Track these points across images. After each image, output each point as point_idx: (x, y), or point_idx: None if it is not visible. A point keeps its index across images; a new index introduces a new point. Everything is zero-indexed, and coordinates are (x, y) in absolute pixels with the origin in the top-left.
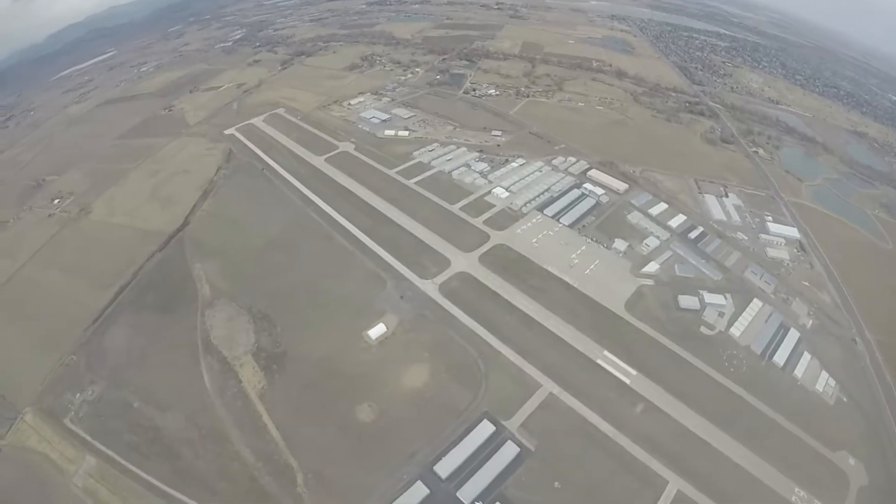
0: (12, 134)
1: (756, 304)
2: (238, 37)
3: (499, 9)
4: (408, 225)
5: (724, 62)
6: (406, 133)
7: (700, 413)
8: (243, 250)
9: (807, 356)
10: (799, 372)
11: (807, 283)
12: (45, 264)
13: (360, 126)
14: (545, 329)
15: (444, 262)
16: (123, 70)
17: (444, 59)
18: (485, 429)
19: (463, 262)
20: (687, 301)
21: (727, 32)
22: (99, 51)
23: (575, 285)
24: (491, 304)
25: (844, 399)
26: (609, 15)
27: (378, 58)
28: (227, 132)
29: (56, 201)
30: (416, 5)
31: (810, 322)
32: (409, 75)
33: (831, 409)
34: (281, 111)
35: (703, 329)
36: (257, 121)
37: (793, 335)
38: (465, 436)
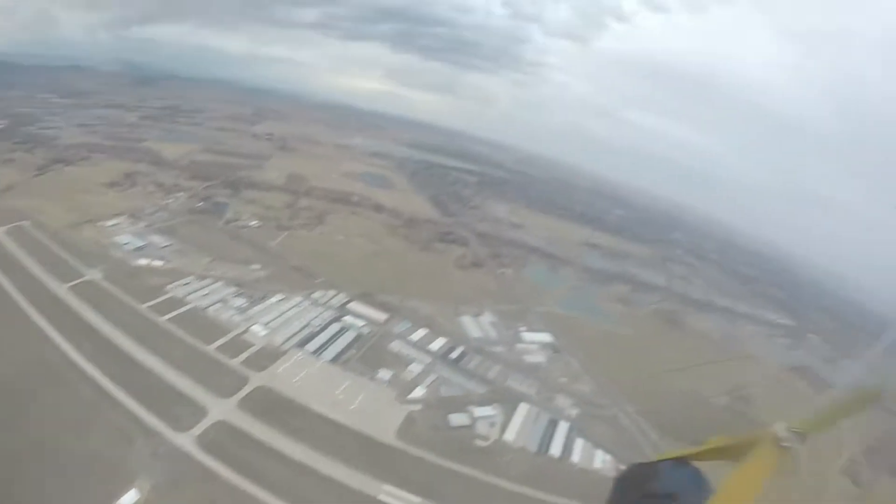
0: None
1: (523, 407)
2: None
3: (269, 139)
4: (159, 368)
5: (474, 195)
6: (161, 263)
7: None
8: None
9: (580, 441)
10: (576, 457)
11: (565, 379)
12: None
13: (112, 252)
14: (318, 473)
15: (201, 411)
16: None
17: (208, 186)
18: None
19: (221, 409)
20: (457, 419)
21: (476, 168)
22: None
23: (342, 421)
24: (256, 454)
25: (622, 467)
26: (371, 152)
27: (141, 177)
28: None
29: None
30: (189, 126)
31: (575, 412)
32: (171, 200)
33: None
34: (27, 224)
35: (477, 441)
36: None
37: (563, 427)
38: None
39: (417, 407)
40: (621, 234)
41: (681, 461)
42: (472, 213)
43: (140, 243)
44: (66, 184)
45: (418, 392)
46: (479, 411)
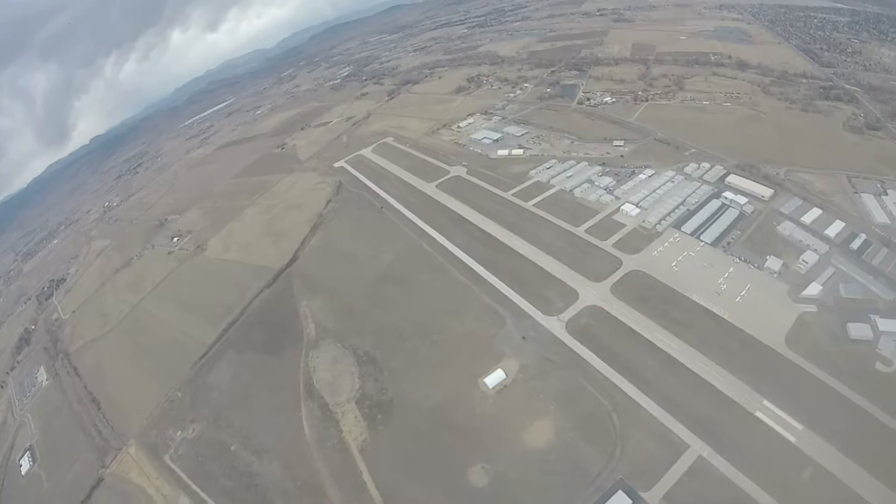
0: (142, 178)
1: None
2: (346, 73)
3: (601, 15)
4: (528, 253)
5: (849, 39)
6: (520, 151)
7: (880, 479)
8: (351, 286)
9: None
10: None
11: None
12: (162, 299)
13: (471, 148)
14: (692, 373)
15: (572, 295)
16: (241, 115)
17: (552, 72)
18: (619, 502)
19: (593, 293)
20: (858, 330)
21: (845, 6)
22: (219, 99)
23: (725, 317)
24: (627, 343)
25: None
26: (717, 5)
27: (484, 78)
28: (336, 165)
29: (175, 239)
30: (517, 22)
31: None
32: (518, 92)
33: None
34: (390, 140)
35: (878, 365)
36: (366, 152)
37: None
38: None
39: (812, 308)
40: None
41: None
42: (852, 62)
43: (496, 136)
44: (416, 100)
45: (813, 289)
46: (885, 324)
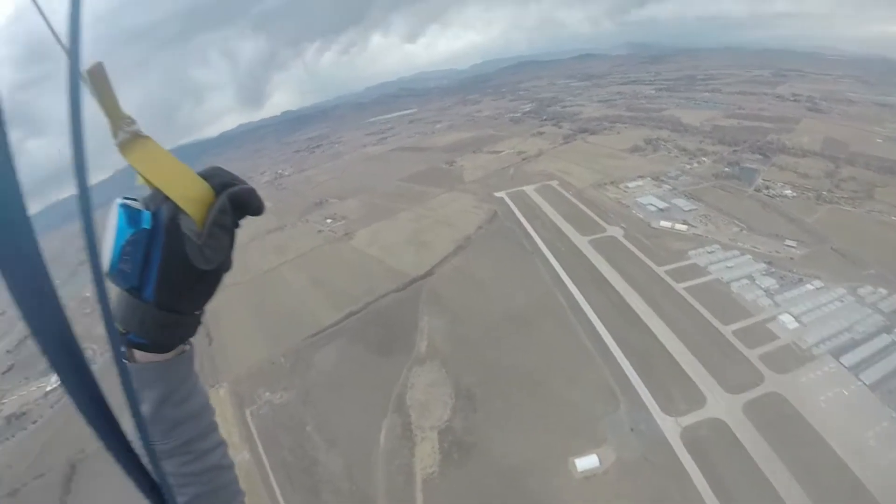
0: (316, 159)
1: None
2: (527, 109)
3: (795, 101)
4: (665, 338)
5: None
6: (684, 227)
7: None
8: (475, 316)
9: None
10: None
11: None
12: (299, 269)
13: (633, 211)
14: None
15: (698, 399)
16: (420, 125)
17: (734, 151)
18: None
19: (721, 404)
20: None
21: None
22: (403, 106)
23: (862, 480)
24: (741, 473)
25: None
26: None
27: (663, 143)
28: (496, 194)
29: (329, 220)
30: (707, 93)
31: None
32: (695, 164)
33: None
34: (554, 183)
35: None
36: (528, 189)
37: None
38: None
39: None
40: None
41: None
42: None
43: (663, 205)
44: (589, 150)
45: None
46: None
